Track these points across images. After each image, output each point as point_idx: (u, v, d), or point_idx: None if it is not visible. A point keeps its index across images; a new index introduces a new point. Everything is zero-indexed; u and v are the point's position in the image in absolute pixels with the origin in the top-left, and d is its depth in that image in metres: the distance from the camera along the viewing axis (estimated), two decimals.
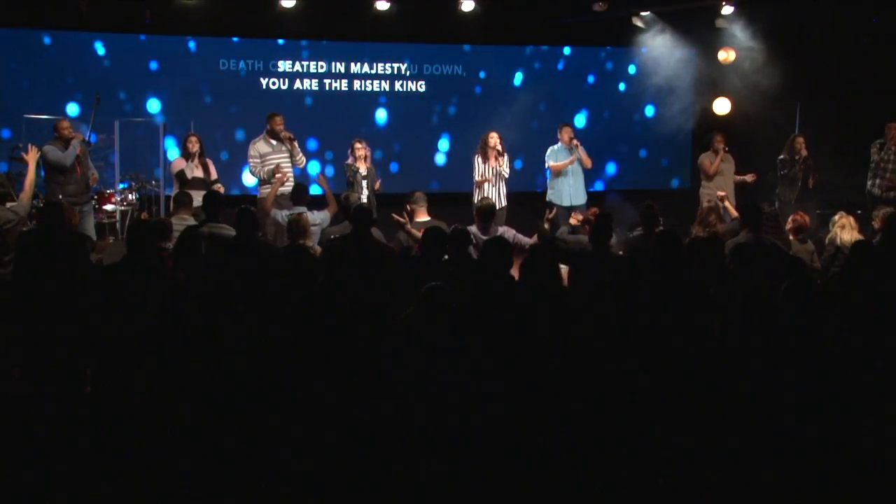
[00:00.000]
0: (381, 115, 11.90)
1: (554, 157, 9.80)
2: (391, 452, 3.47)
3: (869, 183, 9.75)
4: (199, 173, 8.82)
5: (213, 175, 9.00)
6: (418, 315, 4.05)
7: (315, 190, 9.27)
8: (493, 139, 9.21)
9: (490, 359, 3.91)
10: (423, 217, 7.09)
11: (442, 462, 3.44)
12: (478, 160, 9.26)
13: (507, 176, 9.25)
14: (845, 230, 7.06)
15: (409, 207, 7.21)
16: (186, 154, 8.88)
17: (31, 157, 7.35)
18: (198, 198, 8.53)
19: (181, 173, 8.82)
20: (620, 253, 6.54)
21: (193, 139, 8.94)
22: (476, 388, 3.70)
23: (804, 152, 9.78)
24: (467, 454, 3.46)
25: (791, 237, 7.12)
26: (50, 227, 5.91)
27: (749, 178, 9.91)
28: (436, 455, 3.46)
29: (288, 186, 8.43)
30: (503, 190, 9.25)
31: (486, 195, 8.90)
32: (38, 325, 4.81)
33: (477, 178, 9.25)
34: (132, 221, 7.76)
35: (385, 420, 3.56)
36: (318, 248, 6.54)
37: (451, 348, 3.87)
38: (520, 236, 7.04)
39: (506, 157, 9.26)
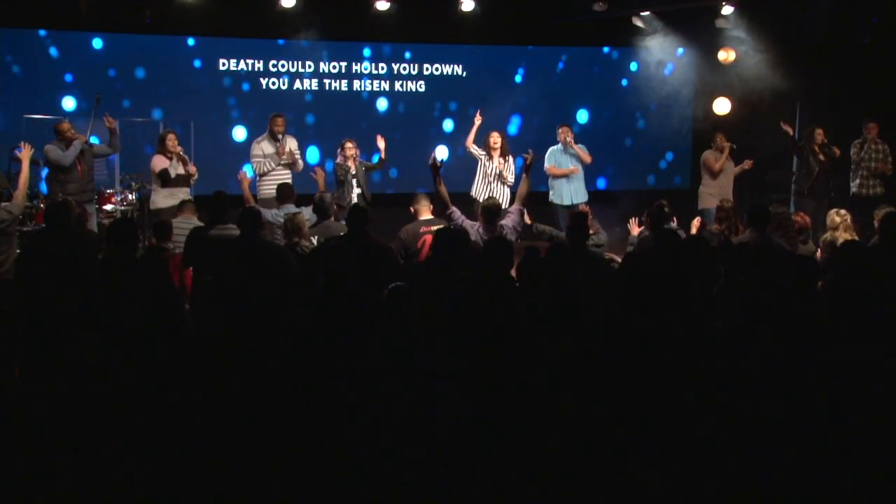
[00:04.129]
0: (381, 114, 11.88)
1: (553, 158, 9.82)
2: (385, 452, 3.47)
3: (852, 184, 9.86)
4: (181, 171, 8.84)
5: (192, 169, 9.00)
6: (385, 315, 4.03)
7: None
8: (494, 139, 9.25)
9: (487, 358, 3.91)
10: (426, 216, 7.14)
11: (435, 463, 3.44)
12: (483, 157, 9.27)
13: (507, 179, 9.18)
14: (841, 231, 7.03)
15: (412, 209, 7.29)
16: (166, 152, 8.87)
17: (25, 155, 7.35)
18: (179, 195, 8.55)
19: (164, 172, 8.81)
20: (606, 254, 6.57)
21: (172, 136, 8.94)
22: (471, 387, 3.70)
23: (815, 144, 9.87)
24: (460, 455, 3.46)
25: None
26: (57, 227, 5.93)
27: (746, 164, 9.95)
28: (430, 456, 3.46)
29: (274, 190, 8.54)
30: (504, 192, 9.15)
31: (484, 193, 9.03)
32: (40, 325, 4.80)
33: (476, 157, 9.33)
34: (118, 219, 7.74)
35: (377, 421, 3.55)
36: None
37: (444, 348, 3.86)
38: (514, 219, 7.02)
39: (510, 160, 9.26)
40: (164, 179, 8.77)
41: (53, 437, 3.55)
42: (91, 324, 4.50)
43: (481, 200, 9.07)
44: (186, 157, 8.96)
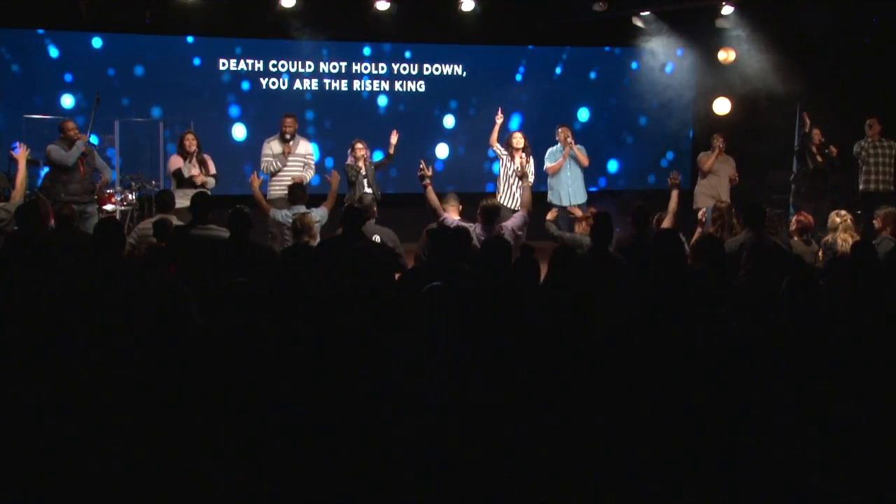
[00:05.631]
0: (381, 115, 11.87)
1: (553, 158, 9.82)
2: (395, 455, 3.46)
3: (859, 181, 9.93)
4: (195, 171, 8.81)
5: (212, 170, 8.98)
6: (420, 317, 4.04)
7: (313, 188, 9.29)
8: (517, 140, 9.30)
9: (492, 358, 3.90)
10: (454, 216, 7.15)
11: (446, 464, 3.43)
12: (505, 157, 9.30)
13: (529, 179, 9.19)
14: (840, 231, 7.05)
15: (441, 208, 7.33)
16: (183, 152, 8.86)
17: (22, 155, 7.34)
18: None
19: (178, 172, 8.80)
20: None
21: (191, 137, 8.92)
22: (480, 388, 3.70)
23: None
24: (472, 456, 3.46)
25: (796, 238, 7.11)
26: (26, 227, 5.91)
27: (733, 178, 9.90)
28: (439, 457, 3.45)
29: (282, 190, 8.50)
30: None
31: (506, 193, 9.19)
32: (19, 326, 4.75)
33: (499, 156, 9.41)
34: (100, 221, 7.72)
35: (388, 421, 3.55)
36: None
37: (456, 348, 3.86)
38: (514, 222, 7.04)
39: (532, 159, 9.28)
40: (179, 179, 8.78)
41: (48, 438, 3.53)
42: (84, 326, 4.48)
43: (502, 200, 9.15)
44: (206, 160, 8.92)
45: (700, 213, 7.65)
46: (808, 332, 3.99)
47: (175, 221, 7.35)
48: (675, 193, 7.41)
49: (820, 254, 7.08)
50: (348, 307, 4.32)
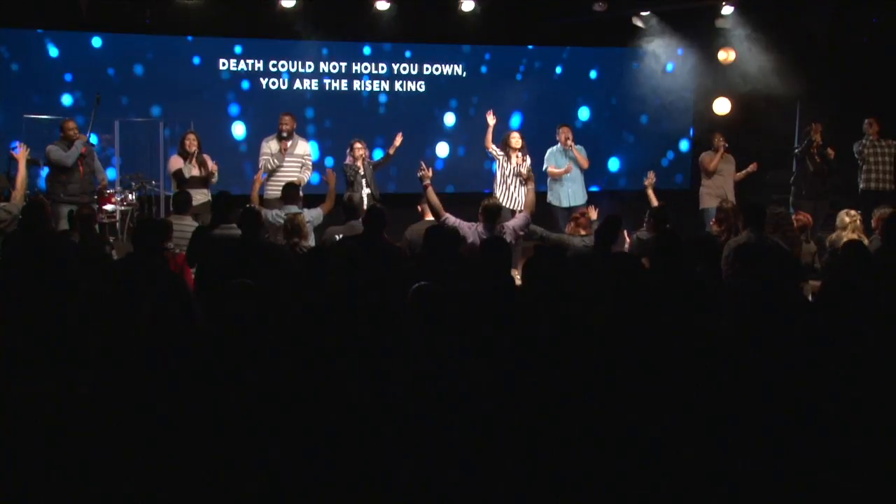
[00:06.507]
0: (381, 114, 11.87)
1: (553, 159, 9.80)
2: (393, 453, 3.47)
3: (859, 180, 9.95)
4: (196, 172, 8.81)
5: (212, 168, 8.98)
6: (410, 315, 4.04)
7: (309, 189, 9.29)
8: (514, 140, 9.27)
9: (489, 359, 3.91)
10: (430, 217, 7.15)
11: (441, 462, 3.44)
12: (501, 157, 9.29)
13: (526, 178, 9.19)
14: (849, 232, 7.04)
15: (419, 208, 7.33)
16: (183, 152, 8.87)
17: (22, 155, 7.36)
18: (197, 196, 8.53)
19: (178, 172, 8.80)
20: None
21: (192, 137, 8.92)
22: (474, 388, 3.70)
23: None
24: (467, 455, 3.46)
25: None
26: (32, 227, 5.93)
27: (751, 167, 9.99)
28: (435, 456, 3.46)
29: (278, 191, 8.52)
30: (523, 192, 9.02)
31: (503, 194, 9.18)
32: (26, 325, 4.76)
33: (495, 157, 9.41)
34: (138, 221, 7.82)
35: (384, 420, 3.55)
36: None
37: (449, 348, 3.86)
38: (516, 222, 7.06)
39: (528, 159, 9.26)
40: (179, 180, 8.78)
41: (49, 438, 3.54)
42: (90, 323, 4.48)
43: (501, 200, 9.12)
44: (206, 158, 8.93)
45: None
46: (782, 330, 4.00)
47: (189, 222, 7.36)
48: (650, 193, 7.81)
49: (817, 255, 7.09)
50: (362, 306, 4.33)
